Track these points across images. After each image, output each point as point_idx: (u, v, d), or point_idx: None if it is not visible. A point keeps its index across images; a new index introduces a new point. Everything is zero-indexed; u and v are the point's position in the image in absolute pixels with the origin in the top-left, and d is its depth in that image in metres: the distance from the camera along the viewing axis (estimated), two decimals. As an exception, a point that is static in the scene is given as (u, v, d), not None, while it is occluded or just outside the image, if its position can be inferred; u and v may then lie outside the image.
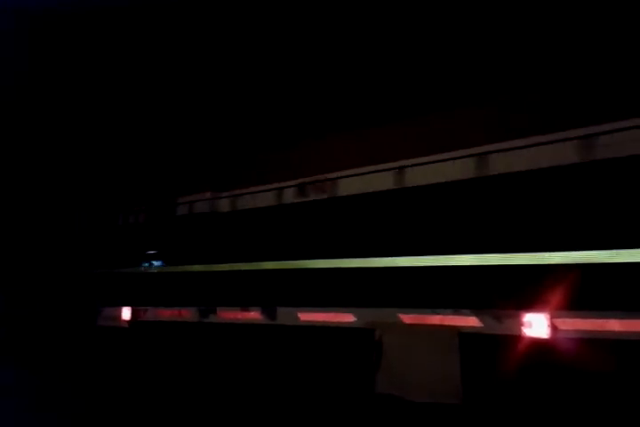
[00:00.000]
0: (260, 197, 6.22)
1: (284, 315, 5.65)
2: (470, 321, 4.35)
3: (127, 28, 6.09)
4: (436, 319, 4.56)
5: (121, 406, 5.38)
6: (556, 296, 3.90)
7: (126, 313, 7.13)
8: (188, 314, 6.49)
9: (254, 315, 5.91)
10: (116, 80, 6.64)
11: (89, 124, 7.26)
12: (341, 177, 5.46)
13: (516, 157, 4.33)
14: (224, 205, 6.63)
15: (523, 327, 4.03)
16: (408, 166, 4.96)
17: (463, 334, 4.39)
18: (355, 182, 5.36)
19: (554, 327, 3.91)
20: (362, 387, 5.03)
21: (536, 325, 3.95)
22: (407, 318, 4.75)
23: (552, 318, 3.93)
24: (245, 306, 5.99)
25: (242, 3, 5.75)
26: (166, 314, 6.77)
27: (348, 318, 5.15)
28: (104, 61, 6.60)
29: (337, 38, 5.46)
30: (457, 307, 4.42)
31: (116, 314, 7.23)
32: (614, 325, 3.78)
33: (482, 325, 4.29)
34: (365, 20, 5.31)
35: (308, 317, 5.47)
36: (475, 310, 4.32)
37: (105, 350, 7.14)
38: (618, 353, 3.81)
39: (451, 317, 4.47)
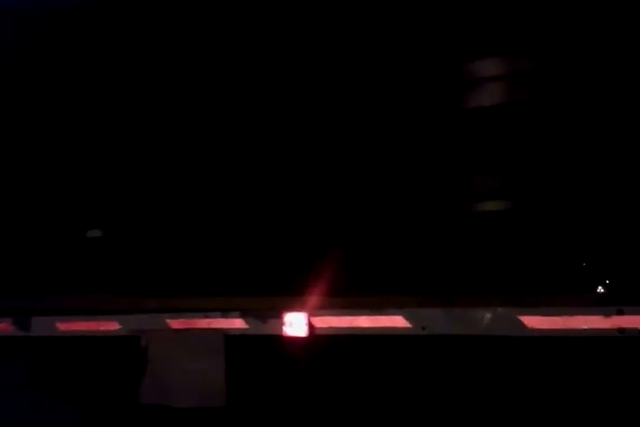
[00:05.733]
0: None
1: (41, 325, 5.08)
2: (237, 323, 4.40)
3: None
4: (204, 323, 4.51)
5: None
6: (315, 295, 4.16)
7: None
8: None
9: (4, 326, 5.20)
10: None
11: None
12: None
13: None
14: None
15: (284, 327, 4.20)
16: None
17: (229, 337, 4.43)
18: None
19: (311, 326, 4.15)
20: (126, 398, 4.77)
21: (295, 324, 4.15)
22: (175, 323, 4.63)
23: (310, 316, 4.17)
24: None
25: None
26: None
27: (112, 326, 4.82)
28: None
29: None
30: (223, 310, 4.44)
31: None
32: (363, 321, 4.14)
33: (247, 326, 4.37)
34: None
35: (67, 326, 4.99)
36: (241, 311, 4.38)
37: None
38: (370, 348, 4.18)
39: (218, 320, 4.47)
